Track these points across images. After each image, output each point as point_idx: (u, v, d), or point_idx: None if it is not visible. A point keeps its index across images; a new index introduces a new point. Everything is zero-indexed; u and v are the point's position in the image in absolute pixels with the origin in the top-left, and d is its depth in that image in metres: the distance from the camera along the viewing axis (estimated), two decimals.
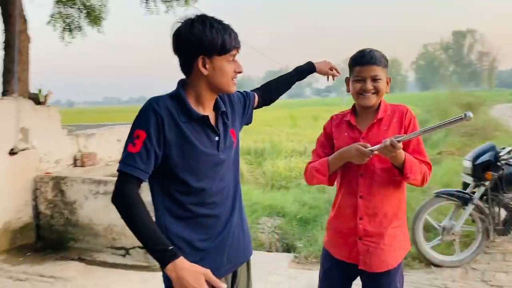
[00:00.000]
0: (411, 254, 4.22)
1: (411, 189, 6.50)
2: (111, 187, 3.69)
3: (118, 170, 1.58)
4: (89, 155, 5.69)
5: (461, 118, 1.57)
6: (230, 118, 1.80)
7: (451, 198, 4.16)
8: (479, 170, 4.21)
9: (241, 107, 1.91)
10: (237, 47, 1.65)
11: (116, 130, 6.40)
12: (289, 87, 2.25)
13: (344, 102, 46.11)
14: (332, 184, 2.11)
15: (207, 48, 1.57)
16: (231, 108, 1.83)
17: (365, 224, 2.01)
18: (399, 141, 1.77)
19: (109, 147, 6.20)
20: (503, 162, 4.22)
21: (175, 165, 1.59)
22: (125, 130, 6.81)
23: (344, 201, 2.08)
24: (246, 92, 2.01)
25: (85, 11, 9.36)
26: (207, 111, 1.69)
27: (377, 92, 2.00)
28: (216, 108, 1.73)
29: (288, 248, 5.46)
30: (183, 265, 1.48)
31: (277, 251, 5.53)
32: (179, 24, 1.62)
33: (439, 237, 4.18)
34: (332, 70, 2.30)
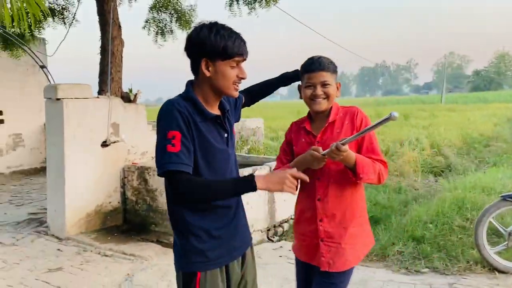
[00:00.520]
0: (475, 259, 4.09)
1: (474, 190, 6.17)
2: None
3: (164, 172, 1.69)
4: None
5: (388, 118, 1.65)
6: (231, 117, 2.01)
7: None
8: None
9: (233, 107, 2.11)
10: (240, 54, 1.79)
11: None
12: (272, 92, 2.40)
13: (443, 102, 43.37)
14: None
15: (210, 51, 1.75)
16: (230, 107, 2.03)
17: (325, 225, 2.08)
18: (343, 144, 1.83)
19: None
20: None
21: (196, 160, 1.78)
22: None
23: (304, 205, 2.17)
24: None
25: (176, 16, 10.09)
26: (215, 110, 1.89)
27: (327, 97, 2.09)
28: (221, 107, 1.94)
29: None
30: (264, 177, 1.75)
31: None
32: (193, 27, 1.83)
33: (505, 243, 3.98)
34: None
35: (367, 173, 1.98)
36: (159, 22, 9.97)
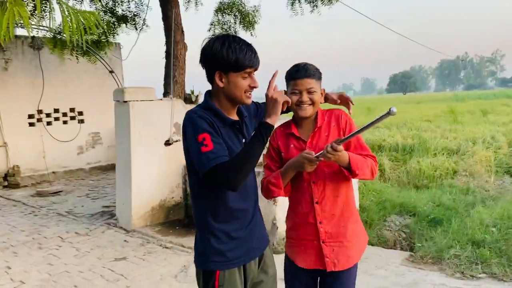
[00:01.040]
0: None
1: None
2: None
3: (208, 170, 1.76)
4: None
5: (388, 114, 1.66)
6: (249, 123, 2.10)
7: None
8: None
9: (252, 114, 2.18)
10: (251, 65, 1.88)
11: None
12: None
13: None
14: (288, 195, 2.22)
15: (222, 64, 1.86)
16: (249, 114, 2.12)
17: (326, 227, 2.12)
18: (339, 144, 1.87)
19: None
20: None
21: None
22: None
23: (301, 209, 2.17)
24: (259, 103, 2.27)
25: (240, 17, 10.35)
26: (233, 116, 2.00)
27: (313, 103, 2.11)
28: (239, 113, 2.04)
29: (411, 248, 5.36)
30: (267, 115, 1.89)
31: (401, 249, 5.48)
32: (207, 41, 1.94)
33: None
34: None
35: (362, 168, 2.03)
36: (224, 24, 10.27)
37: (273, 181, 2.12)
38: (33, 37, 9.52)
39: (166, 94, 6.42)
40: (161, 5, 6.61)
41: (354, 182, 6.05)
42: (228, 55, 1.84)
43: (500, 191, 7.45)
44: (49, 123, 10.18)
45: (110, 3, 9.26)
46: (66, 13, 3.69)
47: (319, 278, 2.23)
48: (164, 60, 6.62)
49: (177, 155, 5.97)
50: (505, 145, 10.65)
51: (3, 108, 9.33)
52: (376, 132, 13.68)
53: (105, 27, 9.00)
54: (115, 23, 9.33)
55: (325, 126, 2.17)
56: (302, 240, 2.17)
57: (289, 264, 2.26)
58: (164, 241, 5.24)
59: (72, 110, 10.63)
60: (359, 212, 6.01)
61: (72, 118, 10.65)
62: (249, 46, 1.90)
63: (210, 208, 1.95)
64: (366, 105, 32.61)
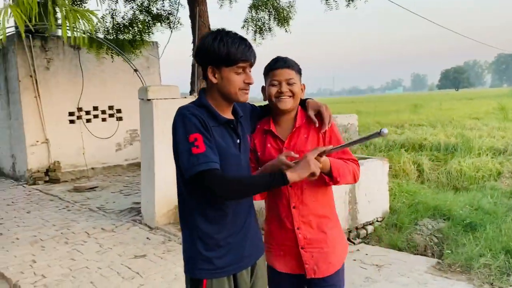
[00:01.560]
0: None
1: None
2: None
3: (196, 173, 1.66)
4: None
5: (377, 133, 1.57)
6: (246, 124, 2.00)
7: None
8: None
9: (248, 115, 2.07)
10: (244, 59, 1.77)
11: None
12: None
13: None
14: (263, 198, 2.10)
15: (214, 59, 1.77)
16: (244, 115, 2.01)
17: (304, 233, 2.00)
18: (321, 155, 1.77)
19: None
20: None
21: None
22: None
23: (278, 214, 2.05)
24: (255, 105, 2.17)
25: (274, 13, 10.22)
26: (228, 115, 1.88)
27: (293, 95, 1.98)
28: (234, 113, 1.92)
29: (442, 254, 5.06)
30: (292, 169, 1.76)
31: (433, 255, 5.18)
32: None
33: None
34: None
35: (343, 175, 1.95)
36: (258, 21, 10.21)
37: None
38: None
39: (192, 92, 6.42)
40: (188, 3, 6.63)
41: (384, 183, 5.85)
42: (219, 49, 1.75)
43: None
44: (88, 121, 10.51)
45: (146, 2, 9.42)
46: (64, 13, 3.71)
47: (308, 285, 2.11)
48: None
49: None
50: None
51: (45, 106, 9.72)
52: (419, 131, 13.15)
53: (140, 26, 9.17)
54: (150, 21, 9.48)
55: (305, 126, 2.04)
56: (280, 245, 2.07)
57: (270, 271, 2.12)
58: None
59: (110, 107, 10.92)
60: (388, 215, 5.81)
61: (111, 115, 10.95)
62: (242, 40, 1.80)
63: (198, 210, 1.84)
64: (414, 102, 31.52)
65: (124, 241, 5.29)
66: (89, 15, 3.72)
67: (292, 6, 10.23)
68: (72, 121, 10.24)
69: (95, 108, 10.65)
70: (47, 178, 9.71)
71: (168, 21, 9.46)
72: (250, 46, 1.81)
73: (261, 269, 2.01)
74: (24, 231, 5.91)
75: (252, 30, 10.16)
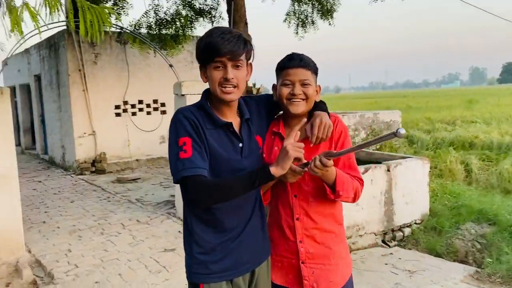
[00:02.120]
0: None
1: None
2: None
3: (180, 179, 1.62)
4: None
5: (393, 134, 1.39)
6: (256, 124, 1.86)
7: None
8: None
9: (257, 114, 1.92)
10: (219, 53, 1.64)
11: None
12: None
13: None
14: (267, 203, 1.94)
15: (199, 58, 1.71)
16: (257, 114, 1.88)
17: (307, 246, 1.84)
18: (329, 159, 1.58)
19: None
20: None
21: None
22: (353, 119, 7.08)
23: (280, 224, 1.89)
24: (258, 96, 2.01)
25: (318, 5, 9.99)
26: (231, 117, 1.78)
27: (306, 98, 1.79)
28: (240, 114, 1.82)
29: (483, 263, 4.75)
30: (275, 163, 1.64)
31: (475, 262, 4.88)
32: None
33: None
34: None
35: (347, 190, 1.77)
36: (300, 14, 10.02)
37: None
38: (119, 32, 10.11)
39: None
40: None
41: (424, 183, 5.56)
42: (199, 46, 1.71)
43: None
44: (133, 114, 10.80)
45: None
46: (82, 9, 3.76)
47: None
48: None
49: None
50: None
51: (93, 99, 10.08)
52: (471, 128, 12.48)
53: (182, 21, 9.26)
54: (193, 16, 9.55)
55: None
56: (280, 256, 1.93)
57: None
58: None
59: (155, 101, 11.15)
60: (428, 217, 5.53)
61: (155, 109, 11.18)
62: (224, 33, 1.67)
63: (193, 213, 1.79)
64: (470, 97, 29.96)
65: (156, 234, 5.37)
66: (107, 13, 3.78)
67: None
68: (118, 114, 10.56)
69: (140, 102, 10.92)
70: (93, 169, 10.09)
71: (210, 15, 9.49)
72: (228, 39, 1.65)
73: (263, 278, 1.90)
74: (65, 220, 6.15)
75: (295, 23, 10.00)
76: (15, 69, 13.84)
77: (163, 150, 11.26)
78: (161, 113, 11.23)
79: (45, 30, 7.98)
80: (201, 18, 9.54)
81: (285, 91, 1.81)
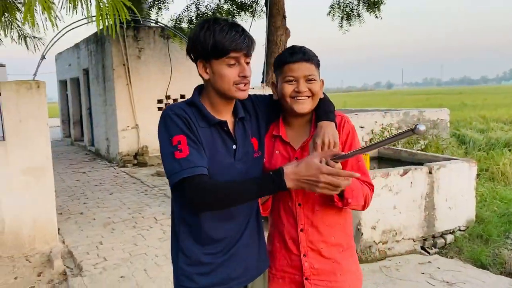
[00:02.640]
0: None
1: None
2: None
3: (179, 180, 1.47)
4: None
5: (411, 131, 1.20)
6: (253, 125, 1.70)
7: None
8: None
9: (262, 110, 1.75)
10: (235, 48, 1.50)
11: (360, 117, 6.47)
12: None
13: None
14: (267, 214, 1.75)
15: (201, 51, 1.53)
16: (254, 114, 1.71)
17: (312, 261, 1.63)
18: (336, 162, 1.39)
19: None
20: None
21: None
22: (370, 118, 6.77)
23: (282, 235, 1.70)
24: (255, 95, 1.81)
25: None
26: (225, 116, 1.63)
27: (312, 95, 1.59)
28: (234, 113, 1.66)
29: None
30: (294, 173, 1.42)
31: None
32: None
33: None
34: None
35: (356, 197, 1.56)
36: (346, 6, 9.68)
37: None
38: (162, 27, 10.21)
39: (263, 81, 6.26)
40: None
41: (470, 188, 5.16)
42: (205, 39, 1.51)
43: None
44: None
45: None
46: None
47: None
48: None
49: None
50: None
51: (136, 93, 10.27)
52: None
53: (224, 15, 9.19)
54: (235, 10, 9.47)
55: None
56: (281, 271, 1.75)
57: None
58: None
59: None
60: (474, 224, 5.14)
61: None
62: (233, 26, 1.53)
63: (181, 220, 1.63)
64: None
65: None
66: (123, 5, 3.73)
67: None
68: (160, 108, 10.69)
69: (182, 96, 10.99)
70: (135, 162, 10.29)
71: (252, 9, 9.36)
72: (242, 33, 1.53)
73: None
74: (101, 212, 6.27)
75: (339, 16, 9.66)
76: (66, 63, 14.40)
77: None
78: None
79: (87, 24, 8.15)
80: (243, 12, 9.44)
81: (289, 88, 1.63)
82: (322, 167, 1.37)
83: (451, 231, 5.07)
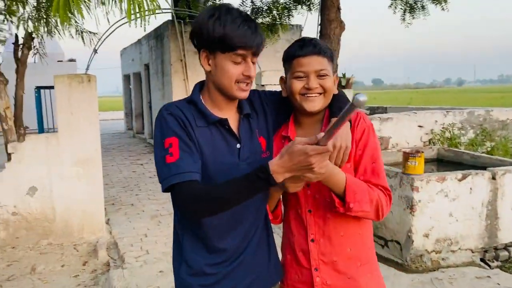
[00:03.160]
0: None
1: None
2: None
3: (168, 187, 1.37)
4: (381, 139, 5.71)
5: (352, 105, 1.00)
6: (261, 124, 1.54)
7: None
8: None
9: (271, 107, 1.60)
10: (243, 46, 1.36)
11: (419, 116, 6.08)
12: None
13: None
14: (279, 222, 1.55)
15: (206, 40, 1.39)
16: (263, 112, 1.56)
17: (324, 276, 1.46)
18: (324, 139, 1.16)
19: (408, 132, 6.00)
20: None
21: None
22: (430, 117, 6.34)
23: (292, 246, 1.53)
24: (263, 92, 1.64)
25: None
26: (228, 114, 1.49)
27: (324, 91, 1.40)
28: (239, 110, 1.51)
29: None
30: (280, 164, 1.25)
31: None
32: None
33: None
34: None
35: (360, 202, 1.37)
36: None
37: None
38: None
39: None
40: None
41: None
42: (214, 29, 1.36)
43: None
44: None
45: None
46: None
47: None
48: None
49: None
50: None
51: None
52: None
53: (279, 8, 9.05)
54: (291, 4, 9.28)
55: None
56: (291, 287, 1.58)
57: None
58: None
59: None
60: None
61: None
62: (246, 21, 1.38)
63: (184, 225, 1.53)
64: None
65: None
66: None
67: None
68: None
69: None
70: None
71: (309, 3, 9.11)
72: (255, 30, 1.38)
73: None
74: (151, 204, 6.38)
75: (401, 8, 9.14)
76: (130, 58, 14.94)
77: None
78: None
79: (151, 15, 8.30)
80: (299, 6, 9.22)
81: (298, 85, 1.47)
82: (306, 149, 1.19)
83: None
